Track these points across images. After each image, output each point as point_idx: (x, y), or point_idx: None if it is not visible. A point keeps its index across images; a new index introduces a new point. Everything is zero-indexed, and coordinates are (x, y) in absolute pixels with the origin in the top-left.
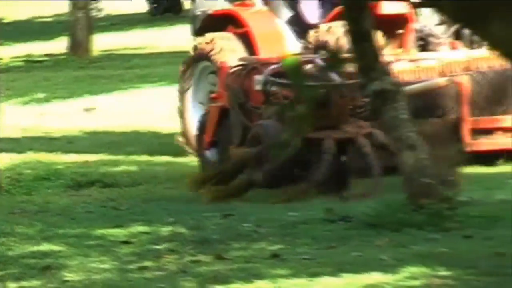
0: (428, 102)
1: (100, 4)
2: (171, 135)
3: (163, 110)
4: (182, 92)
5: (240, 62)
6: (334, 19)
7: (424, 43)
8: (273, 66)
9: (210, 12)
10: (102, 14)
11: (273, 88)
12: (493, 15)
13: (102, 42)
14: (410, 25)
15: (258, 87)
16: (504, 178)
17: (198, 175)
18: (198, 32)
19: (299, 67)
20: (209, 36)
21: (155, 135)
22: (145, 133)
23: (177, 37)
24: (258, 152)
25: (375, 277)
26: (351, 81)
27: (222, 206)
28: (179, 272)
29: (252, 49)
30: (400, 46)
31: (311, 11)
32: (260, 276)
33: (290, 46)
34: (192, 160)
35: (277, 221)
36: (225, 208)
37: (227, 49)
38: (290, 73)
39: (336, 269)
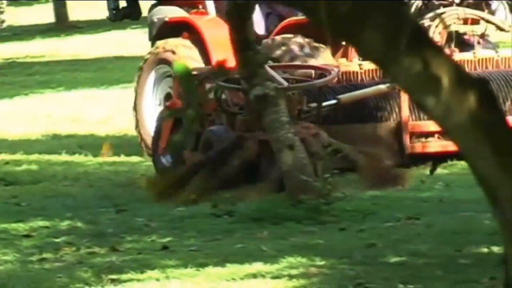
0: (370, 108)
1: (2, 16)
2: (70, 137)
3: (62, 113)
4: (137, 95)
5: (194, 72)
6: (281, 32)
7: None
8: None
9: (166, 19)
10: (4, 25)
11: (224, 96)
12: (367, 23)
13: (4, 51)
14: None
15: (209, 95)
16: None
17: (154, 178)
18: (155, 38)
19: (189, 73)
20: (169, 41)
21: (55, 137)
22: (46, 135)
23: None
24: (210, 156)
25: (257, 267)
26: (298, 85)
27: (115, 201)
28: (76, 263)
29: (206, 57)
30: (344, 56)
31: (258, 23)
32: (151, 267)
33: None
34: (88, 159)
35: (166, 215)
36: (118, 203)
37: (185, 56)
38: (180, 79)
39: (222, 260)
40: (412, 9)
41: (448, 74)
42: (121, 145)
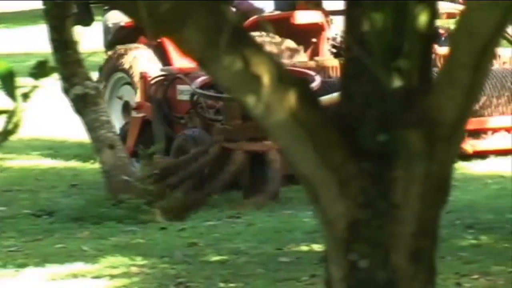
0: None
1: None
2: None
3: None
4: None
5: (162, 73)
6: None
7: (337, 51)
8: (201, 78)
9: (122, 24)
10: None
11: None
12: (188, 22)
13: None
14: (323, 33)
15: (181, 97)
16: None
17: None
18: (111, 43)
19: (11, 74)
20: (123, 47)
21: None
22: None
23: None
24: (184, 161)
25: (78, 267)
26: None
27: None
28: None
29: (166, 60)
30: (314, 55)
31: None
32: None
33: None
34: None
35: None
36: None
37: (145, 60)
38: (1, 80)
39: (42, 260)
40: None
41: (268, 73)
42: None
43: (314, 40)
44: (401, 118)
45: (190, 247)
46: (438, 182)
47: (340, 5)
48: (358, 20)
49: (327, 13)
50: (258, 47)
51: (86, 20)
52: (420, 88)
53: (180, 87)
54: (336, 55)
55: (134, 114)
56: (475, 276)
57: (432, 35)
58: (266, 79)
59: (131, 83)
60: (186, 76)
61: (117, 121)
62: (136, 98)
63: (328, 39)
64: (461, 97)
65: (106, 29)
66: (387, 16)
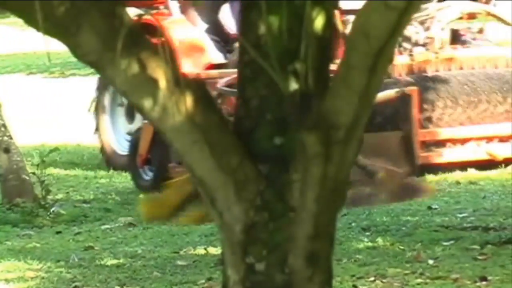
0: (377, 115)
1: None
2: None
3: None
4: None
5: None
6: None
7: None
8: (227, 78)
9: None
10: None
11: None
12: (84, 25)
13: None
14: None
15: None
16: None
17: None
18: None
19: None
20: None
21: None
22: None
23: None
24: None
25: None
26: None
27: None
28: None
29: (172, 60)
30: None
31: (232, 21)
32: None
33: (212, 56)
34: None
35: None
36: None
37: None
38: None
39: None
40: None
41: (165, 76)
42: None
43: None
44: (297, 121)
45: (86, 251)
46: (335, 184)
47: (358, 4)
48: (254, 23)
49: (343, 13)
50: (155, 51)
51: None
52: (317, 91)
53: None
54: None
55: (146, 121)
56: (371, 279)
57: (328, 38)
58: (162, 82)
59: None
60: (206, 79)
61: (122, 127)
62: None
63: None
64: (357, 100)
65: None
66: (283, 19)
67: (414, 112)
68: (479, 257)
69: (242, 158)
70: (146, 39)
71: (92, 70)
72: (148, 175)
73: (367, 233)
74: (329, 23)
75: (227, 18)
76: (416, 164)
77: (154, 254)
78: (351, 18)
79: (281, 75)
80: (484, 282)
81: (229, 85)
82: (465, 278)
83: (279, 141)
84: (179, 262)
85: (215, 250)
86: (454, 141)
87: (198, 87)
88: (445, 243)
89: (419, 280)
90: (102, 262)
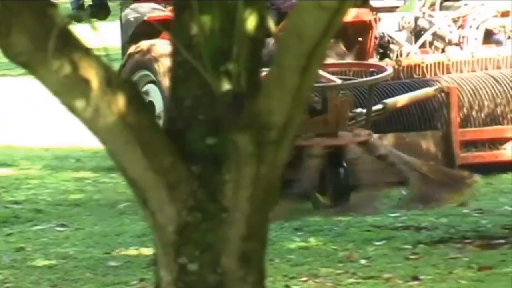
0: (414, 114)
1: None
2: None
3: None
4: None
5: None
6: None
7: (384, 51)
8: (264, 73)
9: (145, 18)
10: None
11: None
12: (15, 26)
13: None
14: (371, 32)
15: None
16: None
17: None
18: (131, 39)
19: None
20: (146, 43)
21: None
22: None
23: None
24: None
25: None
26: (352, 81)
27: None
28: None
29: None
30: (361, 55)
31: None
32: None
33: None
34: None
35: None
36: None
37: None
38: None
39: None
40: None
41: (97, 77)
42: None
43: (360, 39)
44: (230, 122)
45: (17, 252)
46: (268, 185)
47: (389, 2)
48: (186, 23)
49: (375, 10)
50: (87, 51)
51: (102, 13)
52: (249, 92)
53: None
54: (382, 55)
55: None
56: (304, 279)
57: (261, 38)
58: (94, 82)
59: (156, 82)
60: None
61: None
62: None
63: (376, 38)
64: (290, 101)
65: (127, 24)
66: (216, 19)
67: (453, 110)
68: (411, 257)
69: (174, 158)
70: (77, 39)
71: (24, 70)
72: None
73: (300, 233)
74: (262, 23)
75: None
76: (456, 165)
77: (86, 255)
78: (383, 16)
79: (213, 75)
80: (416, 282)
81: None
82: (397, 278)
83: (211, 142)
84: (111, 263)
85: (148, 251)
86: (493, 141)
87: (131, 87)
88: (377, 243)
89: (351, 280)
90: (34, 263)
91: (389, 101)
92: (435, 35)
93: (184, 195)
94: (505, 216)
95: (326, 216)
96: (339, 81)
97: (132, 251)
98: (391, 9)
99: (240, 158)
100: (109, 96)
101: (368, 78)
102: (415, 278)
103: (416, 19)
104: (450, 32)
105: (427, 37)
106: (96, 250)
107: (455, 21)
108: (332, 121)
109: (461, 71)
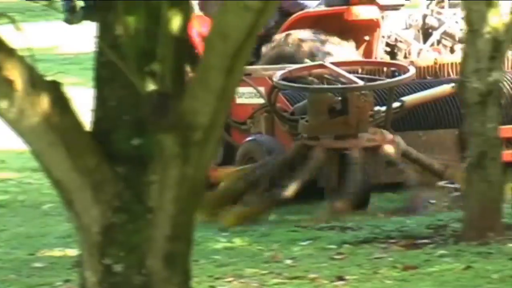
0: (431, 112)
1: None
2: None
3: None
4: None
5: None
6: (291, 28)
7: (391, 50)
8: (281, 72)
9: None
10: None
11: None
12: None
13: None
14: (378, 30)
15: (241, 100)
16: None
17: (210, 199)
18: None
19: None
20: None
21: None
22: None
23: None
24: (270, 169)
25: None
26: (373, 84)
27: None
28: None
29: (192, 57)
30: (367, 54)
31: None
32: None
33: None
34: None
35: None
36: None
37: None
38: None
39: None
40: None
41: (21, 78)
42: None
43: (366, 38)
44: (155, 123)
45: None
46: (193, 185)
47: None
48: (111, 24)
49: (382, 8)
50: (10, 52)
51: (95, 15)
52: (174, 92)
53: (239, 89)
54: (390, 54)
55: None
56: (229, 279)
57: (185, 39)
58: (18, 83)
59: None
60: (247, 76)
61: None
62: None
63: (383, 36)
64: (214, 101)
65: None
66: (140, 20)
67: None
68: (336, 257)
69: (99, 159)
70: (1, 40)
71: None
72: None
73: (225, 234)
74: (186, 24)
75: None
76: None
77: (10, 256)
78: (389, 13)
79: (138, 76)
80: (341, 282)
81: (284, 79)
82: (322, 278)
83: (137, 142)
84: (36, 264)
85: (73, 252)
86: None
87: (55, 88)
88: (302, 243)
89: (276, 280)
90: None
91: (407, 98)
92: (444, 33)
93: (109, 196)
94: (430, 216)
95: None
96: (361, 82)
97: (57, 252)
98: (396, 7)
99: (165, 159)
100: (33, 97)
101: (392, 80)
102: (340, 278)
103: (424, 17)
104: (461, 30)
105: (438, 35)
106: (21, 251)
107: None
108: (353, 122)
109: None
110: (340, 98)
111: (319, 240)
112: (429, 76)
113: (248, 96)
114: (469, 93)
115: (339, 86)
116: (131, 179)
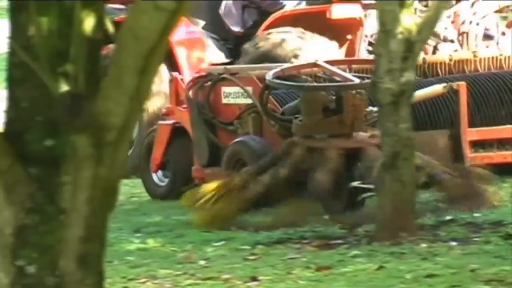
0: (422, 112)
1: None
2: None
3: None
4: None
5: (203, 73)
6: (274, 25)
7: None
8: (273, 70)
9: (115, 18)
10: None
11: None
12: None
13: None
14: (361, 30)
15: (227, 100)
16: None
17: (194, 197)
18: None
19: None
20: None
21: None
22: None
23: None
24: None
25: None
26: (367, 81)
27: None
28: None
29: (170, 59)
30: (350, 53)
31: (233, 18)
32: None
33: (212, 54)
34: None
35: None
36: None
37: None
38: None
39: None
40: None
41: None
42: None
43: (349, 37)
44: (68, 123)
45: None
46: (106, 186)
47: None
48: (24, 24)
49: (365, 7)
50: None
51: None
52: (87, 93)
53: (226, 89)
54: (371, 53)
55: (162, 121)
56: (143, 280)
57: (99, 40)
58: None
59: None
60: (234, 76)
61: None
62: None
63: (366, 36)
64: (128, 102)
65: None
66: (53, 20)
67: (462, 109)
68: (250, 257)
69: (12, 160)
70: None
71: None
72: (163, 181)
73: (138, 235)
74: (100, 24)
75: (228, 16)
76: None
77: None
78: (373, 12)
79: (51, 76)
80: (255, 282)
81: (277, 78)
82: (236, 278)
83: (50, 143)
84: None
85: None
86: (502, 141)
87: None
88: (216, 244)
89: (190, 281)
90: None
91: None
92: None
93: (21, 197)
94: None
95: (165, 217)
96: (357, 80)
97: None
98: None
99: (78, 159)
100: None
101: None
102: (254, 279)
103: None
104: (445, 28)
105: None
106: None
107: (447, 17)
108: (347, 121)
109: (463, 71)
110: (334, 97)
111: (232, 240)
112: (417, 76)
113: (234, 96)
114: (382, 94)
115: (335, 84)
116: (44, 180)
